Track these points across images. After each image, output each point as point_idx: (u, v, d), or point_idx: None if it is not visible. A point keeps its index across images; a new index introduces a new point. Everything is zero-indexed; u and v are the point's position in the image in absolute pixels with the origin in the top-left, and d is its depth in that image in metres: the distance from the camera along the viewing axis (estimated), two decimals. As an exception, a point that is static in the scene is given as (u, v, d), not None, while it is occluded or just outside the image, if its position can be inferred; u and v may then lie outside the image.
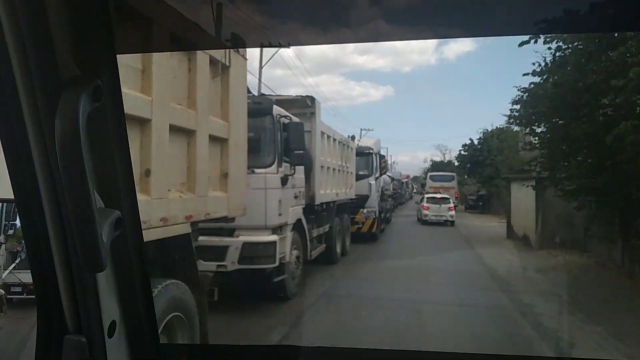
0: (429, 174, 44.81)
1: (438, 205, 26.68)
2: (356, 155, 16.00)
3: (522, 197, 17.70)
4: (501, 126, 34.89)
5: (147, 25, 1.46)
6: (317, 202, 10.03)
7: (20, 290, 4.64)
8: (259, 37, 1.28)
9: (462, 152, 40.96)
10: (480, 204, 39.20)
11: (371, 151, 16.97)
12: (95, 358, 1.01)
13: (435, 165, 60.23)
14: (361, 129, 57.87)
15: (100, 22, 0.94)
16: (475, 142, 39.56)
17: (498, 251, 15.57)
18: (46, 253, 0.98)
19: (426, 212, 26.82)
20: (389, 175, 37.62)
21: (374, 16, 1.07)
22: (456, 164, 56.71)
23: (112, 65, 0.99)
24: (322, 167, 10.64)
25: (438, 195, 28.29)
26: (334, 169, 12.08)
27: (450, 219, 26.26)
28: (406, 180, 64.30)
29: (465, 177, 46.41)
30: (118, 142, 1.03)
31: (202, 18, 1.21)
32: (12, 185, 0.97)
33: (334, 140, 12.16)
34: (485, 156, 36.37)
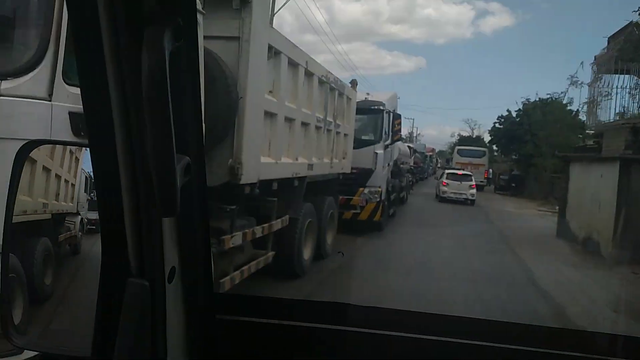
0: (457, 147, 39.44)
1: (458, 182, 23.96)
2: (359, 112, 11.16)
3: (590, 183, 12.63)
4: (549, 96, 29.21)
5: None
6: (249, 179, 5.25)
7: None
8: None
9: (497, 125, 35.42)
10: (513, 185, 33.82)
11: (381, 108, 12.00)
12: (155, 302, 1.00)
13: (463, 140, 54.77)
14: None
15: None
16: (514, 114, 33.96)
17: (553, 262, 10.68)
18: (115, 195, 0.96)
19: (445, 188, 24.08)
20: (409, 146, 32.61)
21: None
22: (487, 138, 51.25)
23: (192, 4, 0.97)
24: (269, 114, 5.89)
25: (459, 172, 25.69)
26: (305, 124, 7.31)
27: (470, 197, 23.66)
28: (431, 153, 59.00)
29: (497, 153, 40.96)
30: (192, 86, 1.02)
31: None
32: (86, 126, 0.94)
33: (309, 74, 7.31)
34: (525, 130, 30.83)
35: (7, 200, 1.21)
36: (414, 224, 15.72)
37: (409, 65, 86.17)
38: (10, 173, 1.18)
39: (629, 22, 12.81)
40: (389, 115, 12.21)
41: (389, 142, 12.25)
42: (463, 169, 28.73)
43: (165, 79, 0.81)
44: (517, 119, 33.21)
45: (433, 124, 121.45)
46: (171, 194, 0.87)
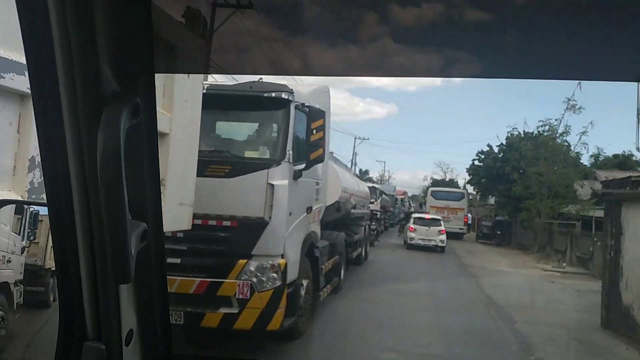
0: (431, 189, 33.84)
1: (426, 228, 22.03)
2: (238, 106, 5.22)
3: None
4: (542, 123, 23.98)
5: (185, 48, 1.48)
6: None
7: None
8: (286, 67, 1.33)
9: (476, 163, 30.05)
10: (498, 233, 28.18)
11: (286, 98, 6.03)
12: None
13: (436, 183, 49.83)
14: (355, 137, 47.73)
15: (143, 42, 0.97)
16: (496, 149, 28.70)
17: None
18: (73, 262, 0.98)
19: (412, 234, 22.09)
20: (373, 187, 26.85)
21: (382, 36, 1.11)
22: (461, 182, 46.07)
23: (150, 83, 1.01)
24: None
25: (427, 216, 24.18)
26: None
27: (440, 244, 21.73)
28: (402, 197, 53.52)
29: (476, 195, 35.61)
30: (149, 157, 1.04)
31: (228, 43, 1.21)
32: (46, 194, 0.97)
33: None
34: (511, 167, 25.42)
35: None
36: (369, 303, 9.53)
37: (381, 112, 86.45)
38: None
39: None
40: (304, 113, 6.20)
41: (301, 164, 6.15)
42: (434, 213, 26.16)
43: (119, 155, 0.84)
44: (500, 155, 27.91)
45: (405, 169, 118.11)
46: (124, 261, 0.89)
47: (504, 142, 27.89)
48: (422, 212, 27.34)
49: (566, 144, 23.16)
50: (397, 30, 1.09)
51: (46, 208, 1.01)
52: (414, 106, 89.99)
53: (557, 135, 22.71)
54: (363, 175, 52.79)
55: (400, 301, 9.67)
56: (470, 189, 35.97)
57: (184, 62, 1.59)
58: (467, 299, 10.56)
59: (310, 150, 6.02)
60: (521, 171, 24.65)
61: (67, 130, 0.91)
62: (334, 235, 9.62)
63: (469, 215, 31.90)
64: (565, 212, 22.46)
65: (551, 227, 22.63)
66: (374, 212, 23.71)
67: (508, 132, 25.67)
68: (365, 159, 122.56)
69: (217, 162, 5.61)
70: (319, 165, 6.88)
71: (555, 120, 22.86)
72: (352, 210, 12.48)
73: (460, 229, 29.99)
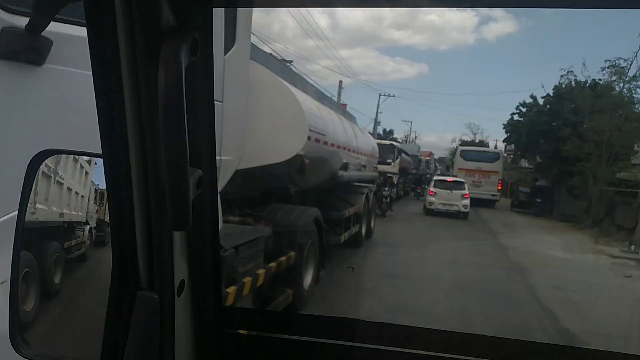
0: (460, 148, 29.04)
1: (448, 191, 19.66)
2: None
3: None
4: (609, 63, 18.81)
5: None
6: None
7: None
8: None
9: (516, 118, 25.09)
10: (538, 201, 23.58)
11: None
12: (164, 315, 1.00)
13: (466, 144, 44.76)
14: (380, 94, 42.82)
15: None
16: (540, 101, 23.68)
17: None
18: (127, 208, 0.95)
19: (432, 198, 19.69)
20: (392, 144, 22.52)
21: None
22: (495, 142, 40.92)
23: (208, 19, 0.96)
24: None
25: (449, 178, 21.82)
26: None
27: (463, 209, 19.36)
28: (428, 158, 48.82)
29: (509, 157, 30.83)
30: (205, 99, 1.01)
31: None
32: (100, 137, 0.93)
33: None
34: (563, 121, 20.56)
35: (20, 205, 1.20)
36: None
37: (411, 71, 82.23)
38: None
39: None
40: None
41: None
42: (463, 177, 23.10)
43: (181, 93, 0.81)
44: (546, 108, 22.94)
45: (434, 130, 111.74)
46: (183, 207, 0.86)
47: (551, 93, 22.86)
48: (444, 175, 24.63)
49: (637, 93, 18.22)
50: None
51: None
52: (445, 66, 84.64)
53: (627, 80, 17.70)
54: (387, 135, 48.18)
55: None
56: (502, 148, 31.15)
57: None
58: (522, 325, 6.30)
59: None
60: (576, 124, 19.80)
61: (123, 67, 0.86)
62: (289, 217, 5.50)
63: (502, 179, 27.24)
64: (627, 178, 17.84)
65: (610, 197, 18.03)
66: (389, 174, 19.50)
67: (562, 76, 20.52)
68: (391, 118, 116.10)
69: None
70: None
71: (625, 61, 17.80)
72: (343, 173, 8.30)
73: (493, 195, 25.51)
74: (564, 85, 20.93)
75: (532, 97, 23.79)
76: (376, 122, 44.12)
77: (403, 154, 25.66)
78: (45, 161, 1.28)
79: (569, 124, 20.85)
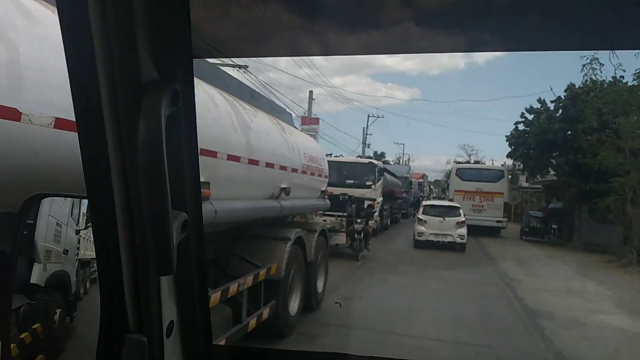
0: (456, 166, 24.56)
1: (440, 219, 15.78)
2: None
3: None
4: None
5: (223, 30, 1.38)
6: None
7: None
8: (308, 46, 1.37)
9: (521, 127, 20.70)
10: (554, 227, 19.09)
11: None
12: (153, 357, 1.01)
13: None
14: (368, 115, 39.39)
15: (180, 28, 0.93)
16: (550, 105, 19.38)
17: None
18: (114, 253, 0.96)
19: (422, 228, 15.82)
20: (372, 162, 18.28)
21: (404, 20, 1.10)
22: (491, 162, 36.59)
23: (188, 69, 0.98)
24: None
25: (441, 203, 18.44)
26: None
27: (459, 239, 15.37)
28: (421, 180, 44.48)
29: (511, 175, 26.63)
30: (189, 145, 1.02)
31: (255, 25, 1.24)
32: (86, 185, 0.94)
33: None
34: (585, 127, 16.23)
35: (11, 249, 1.21)
36: None
37: (404, 96, 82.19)
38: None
39: None
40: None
41: None
42: (460, 200, 19.76)
43: (161, 141, 0.83)
44: (558, 113, 18.64)
45: (428, 154, 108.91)
46: (167, 252, 0.87)
47: (563, 96, 18.60)
48: (436, 200, 22.50)
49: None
50: (419, 12, 1.05)
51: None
52: (437, 90, 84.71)
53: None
54: (379, 158, 44.10)
55: None
56: (508, 165, 26.80)
57: (219, 47, 1.45)
58: None
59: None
60: (601, 129, 15.48)
61: (106, 119, 0.88)
62: None
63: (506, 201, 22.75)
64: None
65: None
66: (367, 201, 15.03)
67: (583, 65, 16.14)
68: (383, 141, 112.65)
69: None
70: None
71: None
72: (235, 207, 3.85)
73: (498, 221, 21.09)
74: (588, 80, 16.63)
75: (539, 101, 19.49)
76: (364, 144, 40.07)
77: (388, 175, 21.23)
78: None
79: (590, 130, 16.58)
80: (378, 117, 43.66)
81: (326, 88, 77.33)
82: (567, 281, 11.08)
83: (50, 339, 1.34)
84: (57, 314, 1.36)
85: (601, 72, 15.56)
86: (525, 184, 32.45)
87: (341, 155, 25.03)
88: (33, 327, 1.31)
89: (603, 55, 15.78)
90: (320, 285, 7.10)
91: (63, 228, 1.41)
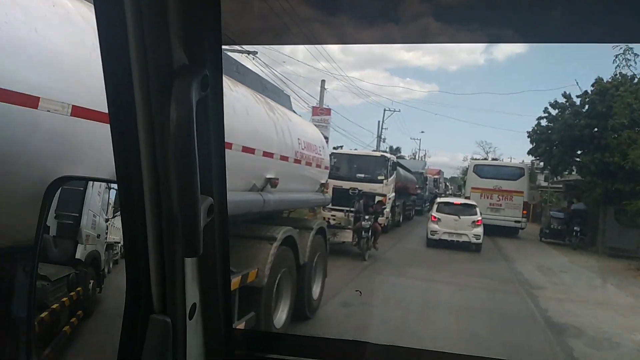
0: (474, 162, 23.44)
1: (455, 217, 14.60)
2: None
3: None
4: None
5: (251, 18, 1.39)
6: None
7: None
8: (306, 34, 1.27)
9: (544, 123, 19.51)
10: (577, 229, 17.94)
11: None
12: (176, 338, 1.02)
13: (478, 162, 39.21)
14: (384, 109, 38.41)
15: (211, 14, 0.94)
16: (577, 101, 18.16)
17: None
18: (142, 235, 0.98)
19: (435, 226, 14.67)
20: (384, 156, 17.38)
21: (423, 14, 1.05)
22: (509, 160, 35.24)
23: (217, 55, 0.99)
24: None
25: (457, 201, 16.81)
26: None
27: (474, 240, 14.21)
28: (437, 176, 43.31)
29: (542, 171, 25.48)
30: (216, 130, 1.03)
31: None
32: (115, 168, 0.96)
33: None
34: (615, 124, 15.10)
35: (36, 232, 1.30)
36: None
37: (422, 92, 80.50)
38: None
39: None
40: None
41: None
42: (477, 199, 18.27)
43: (192, 127, 0.84)
44: (584, 108, 17.45)
45: (445, 151, 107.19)
46: (194, 234, 0.89)
47: (590, 91, 17.39)
48: (452, 197, 20.74)
49: None
50: (438, 4, 1.06)
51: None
52: (455, 86, 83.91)
53: None
54: (394, 153, 42.99)
55: None
56: (528, 163, 25.57)
57: (251, 34, 1.55)
58: None
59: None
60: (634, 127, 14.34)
61: (138, 104, 0.90)
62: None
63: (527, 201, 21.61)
64: None
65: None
66: (378, 197, 14.12)
67: (616, 56, 15.00)
68: (400, 136, 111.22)
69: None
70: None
71: None
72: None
73: (517, 221, 20.01)
74: (617, 74, 15.41)
75: (565, 95, 18.28)
76: (379, 138, 39.00)
77: (401, 170, 20.26)
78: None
79: (619, 126, 15.41)
80: (394, 111, 42.31)
81: (343, 82, 76.57)
82: (594, 290, 10.08)
83: (87, 300, 1.64)
84: (91, 284, 1.68)
85: (635, 63, 14.32)
86: (544, 183, 31.19)
87: (355, 149, 24.03)
88: (77, 289, 1.68)
89: (637, 47, 14.64)
90: (316, 290, 6.25)
91: (97, 217, 1.69)
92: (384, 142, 40.02)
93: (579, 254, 16.40)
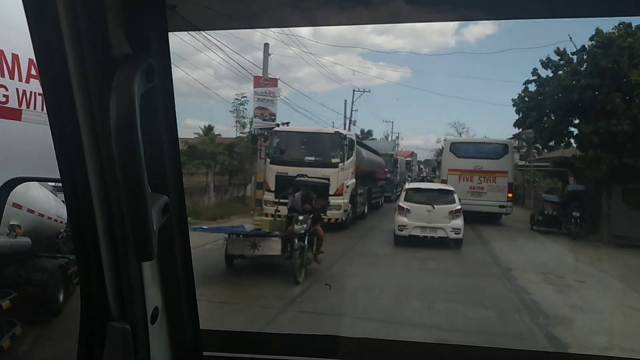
0: (450, 140, 20.01)
1: (428, 207, 11.76)
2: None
3: None
4: None
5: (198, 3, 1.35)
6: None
7: None
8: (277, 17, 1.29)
9: (532, 88, 16.10)
10: (576, 215, 14.69)
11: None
12: (138, 344, 0.97)
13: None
14: (354, 90, 34.63)
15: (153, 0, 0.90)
16: (574, 58, 14.79)
17: None
18: (92, 240, 0.94)
19: (403, 219, 11.73)
20: (339, 132, 13.79)
21: None
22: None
23: (164, 44, 0.93)
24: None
25: (430, 186, 14.26)
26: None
27: (453, 235, 11.40)
28: (409, 158, 40.07)
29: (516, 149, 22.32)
30: (168, 124, 0.98)
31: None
32: (59, 170, 0.91)
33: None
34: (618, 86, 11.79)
35: None
36: None
37: (395, 76, 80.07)
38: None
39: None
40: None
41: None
42: (455, 182, 15.80)
43: (134, 121, 0.78)
44: (583, 67, 14.15)
45: (419, 133, 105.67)
46: (146, 237, 0.83)
47: (592, 42, 14.03)
48: (424, 182, 18.96)
49: None
50: None
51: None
52: (428, 69, 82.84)
53: None
54: (366, 136, 39.48)
55: None
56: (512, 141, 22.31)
57: (196, 19, 1.47)
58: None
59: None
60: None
61: (76, 97, 0.84)
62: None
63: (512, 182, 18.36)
64: None
65: None
66: (320, 185, 10.55)
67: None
68: (372, 119, 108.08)
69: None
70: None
71: None
72: None
73: (502, 206, 16.95)
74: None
75: (558, 52, 14.87)
76: (350, 120, 35.28)
77: (364, 151, 16.72)
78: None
79: (630, 86, 12.18)
80: (364, 91, 38.60)
81: (315, 67, 72.89)
82: (626, 312, 6.69)
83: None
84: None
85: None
86: (520, 162, 28.07)
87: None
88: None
89: None
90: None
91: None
92: (354, 125, 36.38)
93: (581, 245, 13.39)
